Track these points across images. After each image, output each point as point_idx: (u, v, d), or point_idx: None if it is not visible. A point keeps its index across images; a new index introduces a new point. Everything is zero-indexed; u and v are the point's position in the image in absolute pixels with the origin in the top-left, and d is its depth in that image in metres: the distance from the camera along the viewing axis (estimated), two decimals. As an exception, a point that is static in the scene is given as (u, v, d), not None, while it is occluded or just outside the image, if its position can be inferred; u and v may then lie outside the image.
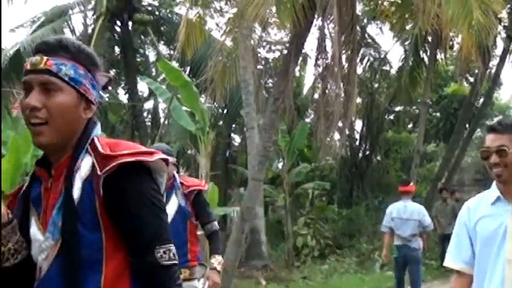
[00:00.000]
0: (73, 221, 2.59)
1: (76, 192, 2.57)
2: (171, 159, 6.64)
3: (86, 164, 2.61)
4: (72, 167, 2.63)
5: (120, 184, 2.60)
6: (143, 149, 2.71)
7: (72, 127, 2.69)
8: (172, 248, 2.62)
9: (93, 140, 2.70)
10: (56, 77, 2.65)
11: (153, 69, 26.63)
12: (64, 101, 2.64)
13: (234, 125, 26.97)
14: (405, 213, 11.60)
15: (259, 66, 22.71)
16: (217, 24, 24.15)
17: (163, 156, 2.74)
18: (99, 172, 2.55)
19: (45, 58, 2.67)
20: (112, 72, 24.45)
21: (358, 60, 21.62)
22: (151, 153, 2.69)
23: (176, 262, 2.64)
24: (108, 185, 2.57)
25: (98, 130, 2.79)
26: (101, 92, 2.85)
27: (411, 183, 12.98)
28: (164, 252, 2.60)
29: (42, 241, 2.61)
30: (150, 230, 2.63)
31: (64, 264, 2.54)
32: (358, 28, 19.19)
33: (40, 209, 2.70)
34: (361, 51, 24.16)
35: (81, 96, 2.68)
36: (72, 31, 24.49)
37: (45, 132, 2.62)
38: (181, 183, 6.17)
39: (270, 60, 25.00)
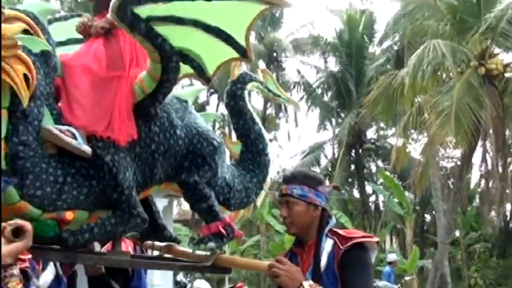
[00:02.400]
0: (319, 280, 2.88)
1: (323, 261, 2.92)
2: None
3: (329, 243, 2.97)
4: (318, 246, 2.98)
5: (351, 254, 2.91)
6: (366, 234, 3.06)
7: (306, 222, 3.09)
8: None
9: (331, 229, 3.05)
10: (291, 197, 3.11)
11: (375, 177, 28.24)
12: (298, 210, 3.08)
13: (426, 209, 28.12)
14: None
15: (441, 172, 23.43)
16: (414, 149, 24.61)
17: (377, 239, 3.07)
18: (340, 247, 2.91)
19: (285, 186, 3.15)
20: (349, 180, 27.49)
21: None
22: (371, 237, 3.03)
23: None
24: (343, 255, 2.91)
25: (332, 221, 3.13)
26: (327, 196, 3.17)
27: None
28: None
29: None
30: (361, 285, 2.89)
31: None
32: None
33: None
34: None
35: (309, 204, 3.07)
36: (325, 157, 27.81)
37: (291, 227, 3.12)
38: None
39: (449, 168, 26.35)
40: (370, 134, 28.66)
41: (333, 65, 28.92)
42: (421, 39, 18.04)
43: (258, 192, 3.92)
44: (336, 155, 27.08)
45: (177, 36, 3.08)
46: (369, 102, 19.35)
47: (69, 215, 3.01)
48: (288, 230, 3.15)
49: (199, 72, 3.27)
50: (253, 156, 3.93)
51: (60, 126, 2.96)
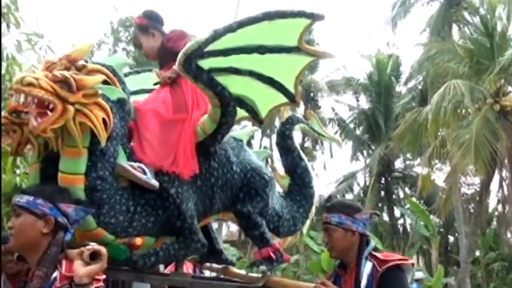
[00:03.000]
0: None
1: (363, 282, 2.91)
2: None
3: (368, 266, 2.96)
4: (358, 269, 2.96)
5: (389, 276, 2.90)
6: (401, 257, 3.01)
7: (345, 247, 3.07)
8: None
9: (370, 252, 3.02)
10: (330, 224, 3.10)
11: (402, 202, 27.35)
12: (337, 236, 3.08)
13: (450, 231, 27.72)
14: None
15: (463, 198, 22.98)
16: (438, 177, 24.10)
17: (412, 261, 3.07)
18: (379, 269, 2.88)
19: (325, 214, 3.14)
20: (379, 205, 26.92)
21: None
22: (406, 259, 2.98)
23: None
24: (381, 277, 2.89)
25: (371, 245, 3.08)
26: (366, 222, 3.12)
27: None
28: None
29: None
30: None
31: None
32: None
33: None
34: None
35: (346, 230, 3.07)
36: (358, 184, 28.04)
37: (332, 252, 3.15)
38: None
39: (469, 194, 25.44)
40: (398, 163, 28.58)
41: (364, 103, 28.99)
42: (442, 80, 18.18)
43: (304, 221, 3.95)
44: (367, 183, 27.05)
45: (235, 85, 3.17)
46: (396, 136, 19.29)
47: (138, 240, 3.07)
48: (330, 254, 3.17)
49: (253, 115, 3.36)
50: (299, 188, 3.95)
51: (132, 163, 3.03)
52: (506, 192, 19.80)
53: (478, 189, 21.45)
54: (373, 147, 27.70)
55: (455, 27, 22.25)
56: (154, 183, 3.03)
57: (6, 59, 2.77)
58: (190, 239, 3.22)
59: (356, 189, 28.52)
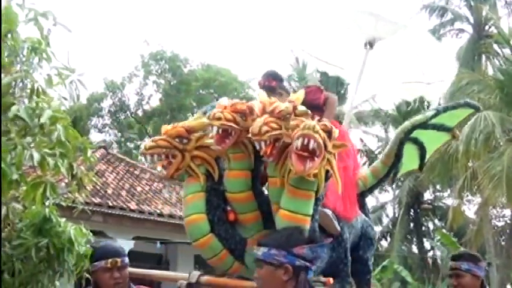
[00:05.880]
0: None
1: None
2: None
3: None
4: None
5: None
6: None
7: None
8: None
9: None
10: (459, 270, 3.55)
11: (432, 234, 26.77)
12: (466, 280, 3.49)
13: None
14: None
15: (494, 230, 22.12)
16: (469, 208, 24.33)
17: None
18: None
19: (453, 262, 3.64)
20: (408, 237, 26.78)
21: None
22: None
23: None
24: None
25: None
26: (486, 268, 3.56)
27: None
28: None
29: None
30: None
31: None
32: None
33: None
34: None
35: (473, 276, 3.51)
36: (387, 216, 27.77)
37: None
38: None
39: (500, 226, 24.44)
40: (427, 195, 28.21)
41: (393, 133, 28.51)
42: (473, 111, 18.08)
43: None
44: (397, 215, 26.78)
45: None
46: (426, 167, 18.94)
47: (330, 280, 3.18)
48: None
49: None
50: None
51: (327, 210, 3.23)
52: (537, 224, 19.28)
53: (509, 221, 21.49)
54: (402, 179, 26.96)
55: (483, 58, 22.22)
56: (338, 228, 3.24)
57: (36, 93, 2.77)
58: (346, 281, 3.41)
59: (385, 220, 28.29)
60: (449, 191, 24.87)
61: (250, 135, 2.77)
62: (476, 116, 16.54)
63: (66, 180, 3.03)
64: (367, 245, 3.73)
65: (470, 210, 23.99)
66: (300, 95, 2.97)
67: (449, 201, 24.01)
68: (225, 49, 52.50)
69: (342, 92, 28.26)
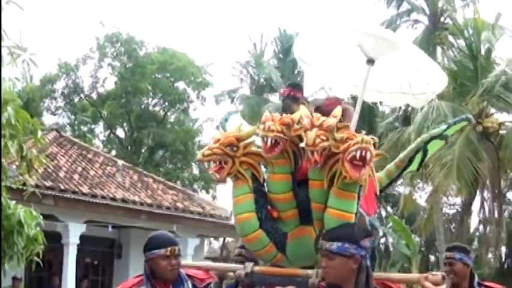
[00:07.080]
0: None
1: None
2: None
3: None
4: None
5: None
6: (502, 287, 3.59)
7: (465, 275, 4.01)
8: None
9: (479, 282, 3.86)
10: (453, 259, 3.94)
11: (385, 221, 26.46)
12: (459, 267, 3.97)
13: (431, 250, 27.77)
14: None
15: (444, 218, 23.02)
16: (420, 196, 24.97)
17: None
18: None
19: (449, 253, 3.94)
20: None
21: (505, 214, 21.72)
22: None
23: None
24: None
25: (475, 275, 4.02)
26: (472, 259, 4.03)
27: None
28: None
29: None
30: None
31: None
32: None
33: None
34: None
35: (464, 264, 3.92)
36: None
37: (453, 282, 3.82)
38: None
39: (451, 214, 25.99)
40: (380, 182, 28.49)
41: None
42: (426, 100, 18.43)
43: None
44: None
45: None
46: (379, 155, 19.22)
47: None
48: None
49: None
50: None
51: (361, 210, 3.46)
52: (487, 213, 20.34)
53: (459, 209, 22.33)
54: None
55: (439, 50, 22.58)
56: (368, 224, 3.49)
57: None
58: (373, 265, 3.56)
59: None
60: (401, 179, 24.99)
61: (302, 145, 3.15)
62: (429, 105, 16.91)
63: (17, 163, 2.95)
64: (375, 235, 3.90)
65: (421, 198, 24.65)
66: (339, 111, 3.34)
67: (401, 189, 24.46)
68: (182, 33, 52.10)
69: (299, 78, 28.72)
